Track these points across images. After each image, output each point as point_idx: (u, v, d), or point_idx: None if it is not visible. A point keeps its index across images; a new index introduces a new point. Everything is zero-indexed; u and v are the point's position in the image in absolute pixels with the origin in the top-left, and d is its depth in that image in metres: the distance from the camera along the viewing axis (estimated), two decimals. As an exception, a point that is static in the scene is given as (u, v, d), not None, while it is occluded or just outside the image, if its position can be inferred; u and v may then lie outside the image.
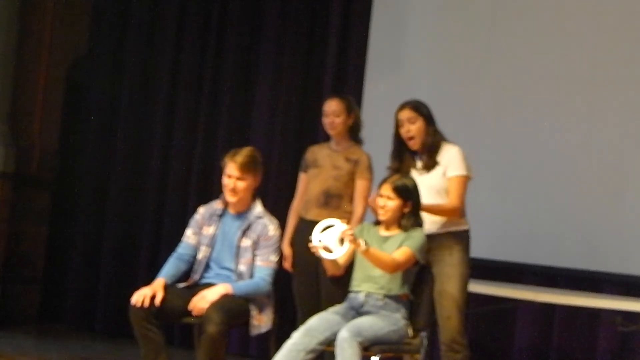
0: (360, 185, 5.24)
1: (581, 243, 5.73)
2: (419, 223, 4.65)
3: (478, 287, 5.48)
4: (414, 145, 4.89)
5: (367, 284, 4.59)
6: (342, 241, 4.40)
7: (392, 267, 4.51)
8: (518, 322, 5.97)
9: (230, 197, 4.89)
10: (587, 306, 5.37)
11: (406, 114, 4.90)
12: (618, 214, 5.65)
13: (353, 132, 5.40)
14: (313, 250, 4.45)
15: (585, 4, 5.93)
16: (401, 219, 4.62)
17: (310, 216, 5.24)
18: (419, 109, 4.91)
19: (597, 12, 5.86)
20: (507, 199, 5.98)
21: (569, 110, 5.87)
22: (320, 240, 4.42)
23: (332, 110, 5.33)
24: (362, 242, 4.41)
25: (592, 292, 5.62)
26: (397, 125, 4.93)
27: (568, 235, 5.76)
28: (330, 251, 4.44)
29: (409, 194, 4.62)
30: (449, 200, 4.83)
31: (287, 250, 5.34)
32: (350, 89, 6.53)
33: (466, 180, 4.85)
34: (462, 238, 4.89)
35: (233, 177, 4.87)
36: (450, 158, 4.85)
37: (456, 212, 4.83)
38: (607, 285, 5.70)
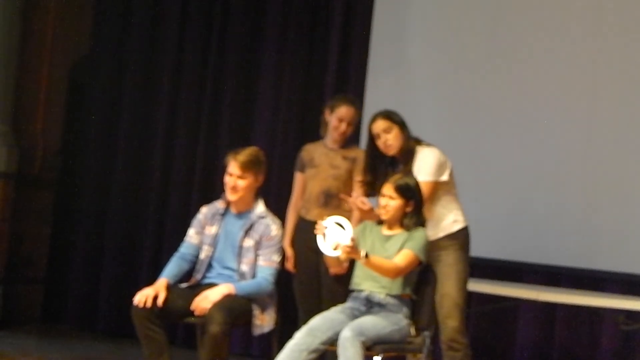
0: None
1: (583, 242, 5.73)
2: (421, 222, 4.65)
3: (480, 286, 5.49)
4: (391, 151, 4.88)
5: (368, 282, 4.60)
6: (337, 248, 4.39)
7: (394, 274, 4.50)
8: (520, 321, 5.97)
9: (230, 196, 4.89)
10: (589, 305, 5.37)
11: (381, 124, 4.87)
12: (620, 213, 5.65)
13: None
14: (317, 228, 4.44)
15: (586, 6, 5.92)
16: (403, 218, 4.63)
17: (311, 216, 5.24)
18: (392, 117, 4.89)
19: (598, 13, 5.86)
20: (508, 198, 5.98)
21: (570, 110, 5.87)
22: (327, 227, 4.42)
23: (349, 119, 5.30)
24: (362, 253, 4.41)
25: (594, 290, 5.62)
26: (372, 138, 4.91)
27: (570, 234, 5.76)
28: (323, 242, 4.44)
29: (411, 193, 4.62)
30: None
31: (288, 250, 5.33)
32: (352, 88, 6.53)
33: (432, 185, 4.81)
34: (457, 237, 4.89)
35: (234, 175, 4.87)
36: (421, 163, 4.83)
37: None
38: (609, 284, 5.70)
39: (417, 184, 4.66)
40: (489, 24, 6.22)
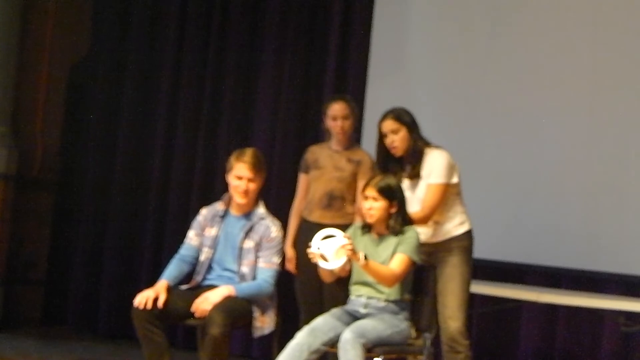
0: (362, 186, 5.21)
1: (583, 243, 5.72)
2: (407, 222, 4.61)
3: (481, 288, 5.49)
4: (397, 152, 4.87)
5: (365, 289, 4.60)
6: (339, 253, 4.38)
7: (392, 282, 4.49)
8: (521, 323, 5.96)
9: (241, 199, 4.86)
10: (589, 306, 5.38)
11: (389, 125, 4.85)
12: (620, 214, 5.64)
13: (353, 133, 5.43)
14: (310, 256, 4.44)
15: (586, 6, 5.91)
16: (389, 220, 4.60)
17: (313, 218, 5.24)
18: (401, 118, 4.86)
19: (598, 14, 5.85)
20: (509, 199, 5.97)
21: (570, 110, 5.86)
22: (318, 248, 4.41)
23: (342, 114, 5.31)
24: (361, 256, 4.40)
25: (594, 292, 5.62)
26: (381, 135, 4.90)
27: (570, 235, 5.75)
28: (326, 260, 4.43)
29: (393, 194, 4.58)
30: (420, 208, 4.79)
31: (289, 251, 5.33)
32: (352, 88, 6.52)
33: (445, 188, 4.81)
34: (462, 239, 4.89)
35: (244, 178, 4.84)
36: (431, 166, 4.82)
37: (425, 220, 4.79)
38: (610, 286, 5.69)
39: (397, 184, 4.64)
40: (489, 24, 6.21)
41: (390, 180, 4.65)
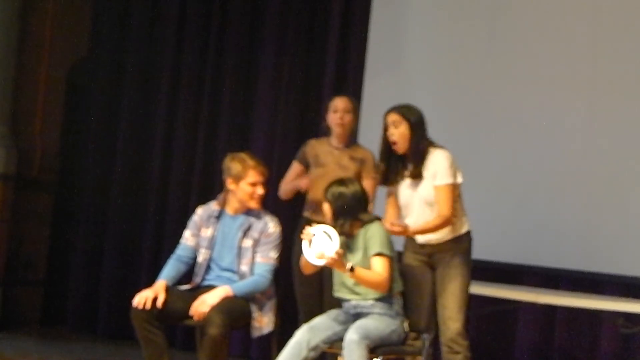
0: (367, 185, 5.18)
1: (582, 244, 5.72)
2: (352, 219, 4.57)
3: (479, 289, 5.48)
4: (398, 149, 4.85)
5: (344, 290, 4.61)
6: (320, 256, 4.39)
7: (383, 286, 4.49)
8: (519, 324, 5.96)
9: (257, 204, 4.91)
10: (588, 308, 5.37)
11: (391, 117, 4.85)
12: (619, 215, 5.63)
13: (353, 132, 5.43)
14: (304, 233, 4.46)
15: (585, 6, 5.92)
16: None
17: (318, 217, 5.23)
18: (405, 113, 4.85)
19: (598, 14, 5.85)
20: (508, 200, 5.97)
21: (569, 111, 5.86)
22: (314, 235, 4.42)
23: (343, 107, 5.34)
24: (348, 266, 4.41)
25: (593, 293, 5.61)
26: (385, 127, 4.91)
27: (569, 236, 5.74)
28: (308, 248, 4.45)
29: (326, 193, 4.61)
30: (438, 212, 4.78)
31: (303, 183, 5.35)
32: (350, 89, 6.52)
33: (453, 187, 4.81)
34: (463, 240, 4.89)
35: (259, 184, 4.89)
36: (436, 167, 4.80)
37: (448, 222, 4.78)
38: (609, 287, 5.69)
39: (338, 188, 4.61)
40: (487, 25, 6.21)
41: (334, 182, 4.66)
